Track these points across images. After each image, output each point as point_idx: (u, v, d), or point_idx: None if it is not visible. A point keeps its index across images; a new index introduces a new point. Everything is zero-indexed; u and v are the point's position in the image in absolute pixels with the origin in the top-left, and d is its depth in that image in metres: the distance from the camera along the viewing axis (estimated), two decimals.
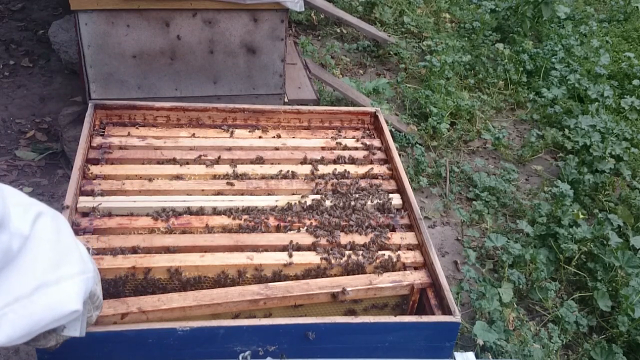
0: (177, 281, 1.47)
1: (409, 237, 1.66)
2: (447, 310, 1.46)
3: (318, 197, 1.73)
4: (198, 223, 1.60)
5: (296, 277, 1.53)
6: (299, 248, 1.57)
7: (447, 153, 3.65)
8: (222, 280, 1.49)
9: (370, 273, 1.56)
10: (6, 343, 0.68)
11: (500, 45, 4.54)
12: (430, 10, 5.17)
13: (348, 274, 1.55)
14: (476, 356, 1.33)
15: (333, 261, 1.54)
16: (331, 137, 2.02)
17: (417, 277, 1.55)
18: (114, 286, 1.46)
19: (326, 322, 1.37)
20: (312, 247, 1.58)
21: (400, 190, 1.82)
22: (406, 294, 1.56)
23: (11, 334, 0.68)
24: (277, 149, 1.93)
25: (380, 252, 1.59)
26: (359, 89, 3.95)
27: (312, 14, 4.81)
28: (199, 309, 1.40)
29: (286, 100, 3.12)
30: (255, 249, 1.55)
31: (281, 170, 1.82)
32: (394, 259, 1.58)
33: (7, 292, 0.66)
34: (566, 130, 3.80)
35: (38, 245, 0.70)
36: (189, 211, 1.64)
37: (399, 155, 1.91)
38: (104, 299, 1.39)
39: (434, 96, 3.91)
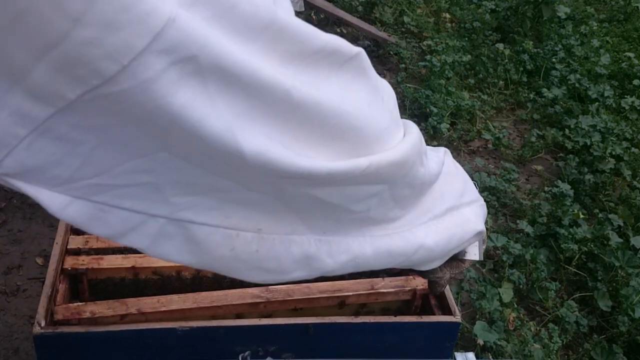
0: (176, 282, 1.47)
1: None
2: (447, 310, 1.45)
3: None
4: None
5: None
6: None
7: None
8: (220, 280, 1.49)
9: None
10: (433, 247, 0.85)
11: (500, 45, 4.54)
12: (431, 10, 5.17)
13: (350, 277, 1.55)
14: (476, 356, 1.32)
15: None
16: None
17: (419, 283, 1.53)
18: (113, 286, 1.45)
19: (326, 322, 1.37)
20: None
21: None
22: (408, 299, 1.54)
23: (436, 239, 0.85)
24: None
25: None
26: None
27: (312, 14, 4.81)
28: (199, 311, 1.39)
29: None
30: None
31: None
32: None
33: (428, 210, 0.85)
34: (566, 130, 3.80)
35: (446, 177, 0.88)
36: None
37: None
38: (103, 299, 1.39)
39: (434, 96, 3.91)
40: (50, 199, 0.55)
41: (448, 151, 0.94)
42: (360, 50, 0.67)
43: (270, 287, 1.46)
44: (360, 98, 0.67)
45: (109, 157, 0.54)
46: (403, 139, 0.75)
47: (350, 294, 1.47)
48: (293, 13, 0.62)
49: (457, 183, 0.92)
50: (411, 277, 1.55)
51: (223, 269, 0.68)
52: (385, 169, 0.70)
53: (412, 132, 0.78)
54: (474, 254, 1.01)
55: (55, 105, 0.48)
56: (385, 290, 1.50)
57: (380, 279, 1.53)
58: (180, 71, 0.49)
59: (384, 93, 0.74)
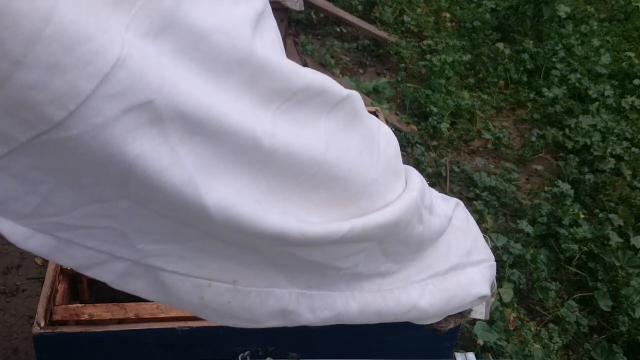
0: None
1: None
2: None
3: None
4: None
5: None
6: None
7: (448, 153, 3.64)
8: None
9: None
10: (428, 309, 0.78)
11: (500, 45, 4.53)
12: (431, 9, 5.16)
13: None
14: (477, 357, 1.32)
15: None
16: None
17: None
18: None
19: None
20: None
21: None
22: None
23: (432, 301, 0.78)
24: None
25: None
26: (359, 89, 3.95)
27: (312, 14, 4.81)
28: (198, 321, 1.38)
29: None
30: None
31: None
32: None
33: (429, 267, 0.78)
34: (567, 130, 3.79)
35: (454, 232, 0.81)
36: None
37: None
38: (103, 302, 1.38)
39: (434, 96, 3.91)
40: (12, 229, 0.53)
41: (461, 204, 0.86)
42: (351, 92, 0.62)
43: None
44: (351, 146, 0.61)
45: (69, 199, 0.51)
46: (399, 197, 0.67)
47: None
48: (279, 47, 0.57)
49: (467, 240, 0.84)
50: None
51: (192, 311, 0.65)
52: (371, 231, 0.64)
53: (413, 186, 0.70)
54: (480, 313, 0.95)
55: (8, 145, 0.45)
56: None
57: None
58: (136, 120, 0.45)
59: (381, 140, 0.67)
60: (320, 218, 0.60)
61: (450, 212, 0.80)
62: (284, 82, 0.54)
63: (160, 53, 0.46)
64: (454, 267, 0.81)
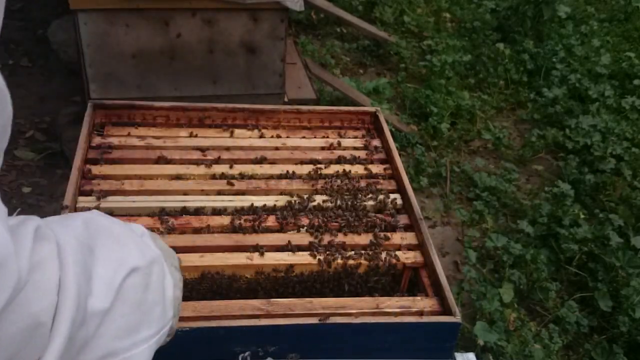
0: None
1: (409, 237, 1.65)
2: (447, 311, 1.45)
3: (318, 197, 1.73)
4: (198, 223, 1.59)
5: (297, 278, 1.52)
6: (299, 248, 1.56)
7: (448, 153, 3.64)
8: (219, 278, 1.48)
9: (368, 272, 1.55)
10: None
11: (500, 45, 4.53)
12: (431, 9, 5.16)
13: (347, 276, 1.54)
14: (477, 357, 1.32)
15: (333, 263, 1.53)
16: (331, 137, 2.02)
17: (427, 304, 1.47)
18: None
19: (326, 322, 1.36)
20: (312, 248, 1.57)
21: (401, 190, 1.81)
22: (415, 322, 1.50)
23: None
24: (277, 148, 1.92)
25: (381, 253, 1.58)
26: (359, 89, 3.95)
27: (312, 14, 4.81)
28: (197, 321, 1.37)
29: (286, 99, 3.12)
30: (255, 249, 1.54)
31: (281, 170, 1.82)
32: (394, 260, 1.57)
33: None
34: (567, 130, 3.79)
35: (119, 310, 0.68)
36: (188, 211, 1.64)
37: (399, 155, 1.91)
38: None
39: (434, 96, 3.91)
40: None
41: (140, 267, 0.70)
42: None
43: (272, 299, 1.43)
44: None
45: None
46: None
47: (354, 311, 1.44)
48: None
49: (136, 314, 0.70)
50: (418, 297, 1.51)
51: None
52: None
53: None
54: None
55: None
56: (390, 310, 1.46)
57: (386, 297, 1.49)
58: None
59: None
60: None
61: (107, 301, 0.65)
62: None
63: None
64: (111, 353, 0.68)
